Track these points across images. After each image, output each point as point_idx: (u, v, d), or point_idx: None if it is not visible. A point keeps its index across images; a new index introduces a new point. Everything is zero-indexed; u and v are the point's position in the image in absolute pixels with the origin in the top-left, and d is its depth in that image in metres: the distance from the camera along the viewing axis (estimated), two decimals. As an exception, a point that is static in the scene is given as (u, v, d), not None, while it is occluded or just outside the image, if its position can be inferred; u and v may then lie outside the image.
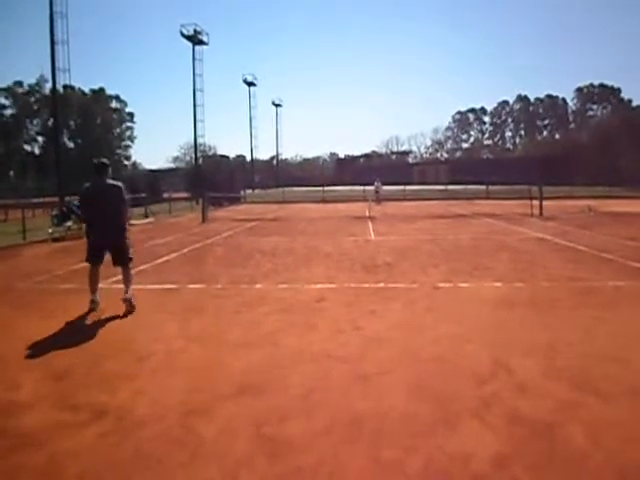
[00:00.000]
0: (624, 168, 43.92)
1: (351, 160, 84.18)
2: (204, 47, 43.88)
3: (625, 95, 77.42)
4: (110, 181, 5.84)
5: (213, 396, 3.32)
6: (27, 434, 2.86)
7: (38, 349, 4.39)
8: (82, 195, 5.97)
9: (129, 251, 5.92)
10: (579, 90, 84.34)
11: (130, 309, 5.53)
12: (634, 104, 71.99)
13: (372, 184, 31.35)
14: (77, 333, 4.82)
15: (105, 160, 5.97)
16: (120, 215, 5.85)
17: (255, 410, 3.11)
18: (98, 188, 5.78)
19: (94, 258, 5.77)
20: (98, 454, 2.64)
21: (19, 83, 63.11)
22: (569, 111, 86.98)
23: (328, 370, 3.76)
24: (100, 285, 6.97)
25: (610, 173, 43.46)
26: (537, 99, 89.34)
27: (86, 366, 3.93)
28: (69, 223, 14.42)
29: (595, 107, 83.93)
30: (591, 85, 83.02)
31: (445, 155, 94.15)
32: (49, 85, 34.53)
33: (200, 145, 44.96)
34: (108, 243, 5.77)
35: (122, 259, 5.83)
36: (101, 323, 5.16)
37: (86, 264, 5.90)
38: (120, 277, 7.59)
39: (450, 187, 39.69)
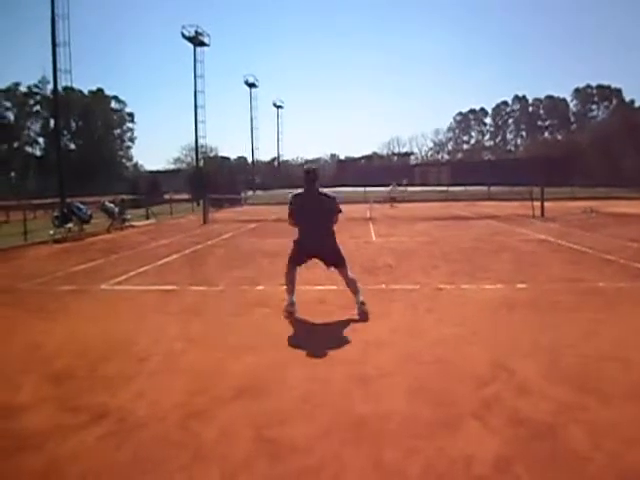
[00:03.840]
0: (626, 169, 43.89)
1: (352, 161, 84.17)
2: (205, 48, 43.90)
3: (627, 96, 77.37)
4: (321, 189, 5.54)
5: (213, 398, 3.32)
6: (27, 436, 2.85)
7: (38, 351, 4.38)
8: (292, 202, 5.58)
9: (341, 252, 5.53)
10: (577, 91, 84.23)
11: (362, 315, 5.19)
12: (636, 105, 72.02)
13: (373, 185, 31.44)
14: (78, 335, 4.81)
15: (314, 167, 5.72)
16: (329, 221, 5.49)
17: (255, 412, 3.10)
18: (307, 196, 5.50)
19: (297, 262, 5.58)
20: (98, 456, 2.63)
21: (20, 84, 63.36)
22: (570, 112, 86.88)
23: (329, 372, 3.75)
24: (102, 287, 7.01)
25: (612, 174, 43.42)
26: (537, 100, 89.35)
27: (86, 368, 3.92)
28: (70, 224, 14.46)
29: (595, 108, 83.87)
30: (588, 86, 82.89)
31: (446, 156, 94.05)
32: (51, 86, 34.59)
33: (201, 146, 44.99)
34: (315, 248, 5.50)
35: (335, 260, 5.51)
36: (101, 325, 5.16)
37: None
38: (122, 278, 7.58)
39: (451, 188, 39.66)
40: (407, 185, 30.83)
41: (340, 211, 5.57)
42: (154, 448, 2.69)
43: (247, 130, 62.91)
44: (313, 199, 5.47)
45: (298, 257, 5.58)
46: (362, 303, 5.27)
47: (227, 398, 3.31)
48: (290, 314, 5.34)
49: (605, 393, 3.26)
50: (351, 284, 5.44)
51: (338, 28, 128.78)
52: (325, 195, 5.52)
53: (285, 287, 5.57)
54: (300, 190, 5.57)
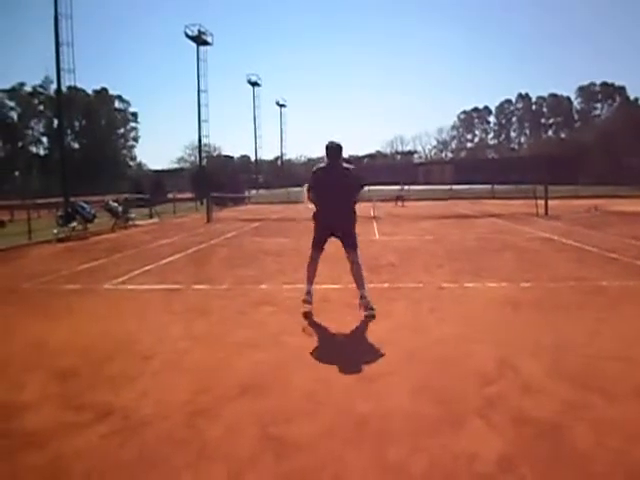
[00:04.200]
0: (630, 167, 43.74)
1: (355, 160, 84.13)
2: (208, 48, 43.89)
3: (631, 94, 76.95)
4: (344, 164, 5.38)
5: (218, 396, 3.32)
6: (31, 434, 2.86)
7: (43, 349, 4.40)
8: (313, 175, 5.42)
9: (356, 237, 5.52)
10: (581, 89, 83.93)
11: (368, 313, 5.09)
12: (640, 103, 71.72)
13: (376, 184, 31.43)
14: (82, 333, 4.82)
15: (337, 141, 5.42)
16: (350, 199, 5.40)
17: (260, 410, 3.10)
18: (330, 170, 5.32)
19: (318, 244, 5.44)
20: (103, 454, 2.64)
21: (24, 84, 63.66)
22: (574, 110, 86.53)
23: (332, 371, 3.76)
24: (106, 286, 7.03)
25: (616, 172, 43.29)
26: (541, 98, 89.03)
27: (91, 366, 3.94)
28: (74, 223, 14.51)
29: (599, 106, 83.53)
30: (592, 84, 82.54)
31: (450, 155, 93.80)
32: (54, 86, 34.70)
33: (204, 145, 45.02)
34: (334, 222, 5.39)
35: (350, 243, 5.42)
36: (105, 324, 5.17)
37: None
38: (126, 277, 7.56)
39: (455, 187, 39.57)
40: (409, 184, 31.09)
41: (362, 186, 5.48)
42: (159, 446, 2.70)
43: (250, 129, 62.88)
44: (336, 173, 5.29)
45: (319, 237, 5.42)
46: (363, 297, 5.21)
47: (232, 396, 3.32)
48: (306, 303, 5.34)
49: (609, 391, 3.25)
50: (357, 272, 5.33)
51: (340, 27, 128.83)
52: (349, 170, 5.35)
53: (305, 277, 5.53)
54: (323, 164, 5.39)
